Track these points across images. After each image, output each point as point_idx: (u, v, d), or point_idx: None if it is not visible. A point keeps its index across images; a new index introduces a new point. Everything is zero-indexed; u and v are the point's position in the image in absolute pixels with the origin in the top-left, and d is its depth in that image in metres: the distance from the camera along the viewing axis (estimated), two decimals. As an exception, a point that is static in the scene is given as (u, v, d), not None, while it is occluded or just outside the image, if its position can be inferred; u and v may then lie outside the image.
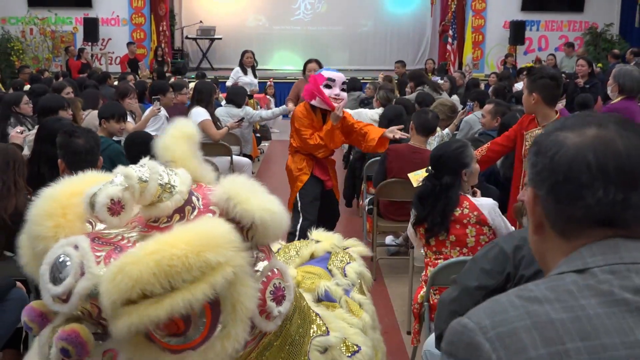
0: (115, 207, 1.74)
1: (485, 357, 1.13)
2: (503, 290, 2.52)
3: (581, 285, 1.13)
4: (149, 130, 6.88)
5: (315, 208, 5.37)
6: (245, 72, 10.97)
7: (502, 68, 14.42)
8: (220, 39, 17.36)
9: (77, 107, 6.45)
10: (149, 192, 1.75)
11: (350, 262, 2.99)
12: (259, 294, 1.89)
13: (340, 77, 5.14)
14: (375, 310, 2.96)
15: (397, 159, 5.19)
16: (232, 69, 11.41)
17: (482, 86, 10.59)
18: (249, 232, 1.81)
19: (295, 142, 5.35)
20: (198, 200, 1.89)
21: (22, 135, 5.27)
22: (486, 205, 3.63)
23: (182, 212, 1.82)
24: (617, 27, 16.15)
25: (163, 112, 7.46)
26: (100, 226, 1.83)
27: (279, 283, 1.98)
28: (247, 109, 8.18)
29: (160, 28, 16.66)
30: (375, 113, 7.17)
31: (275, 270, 1.99)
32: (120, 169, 1.79)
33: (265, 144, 11.48)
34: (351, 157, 7.60)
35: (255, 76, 11.30)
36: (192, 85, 9.05)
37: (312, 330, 2.37)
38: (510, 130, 4.63)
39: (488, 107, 6.35)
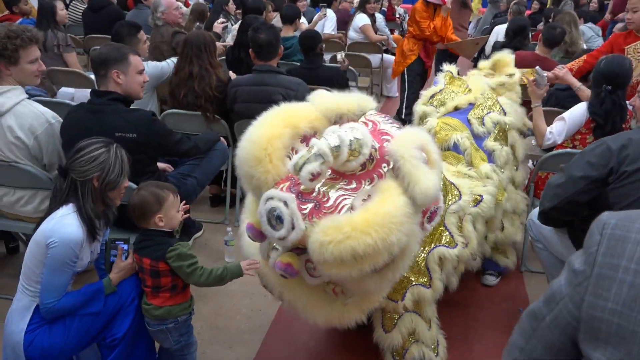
0: (315, 177, 1.74)
1: (593, 244, 1.12)
2: (605, 181, 2.35)
3: None
4: (327, 30, 6.99)
5: (418, 82, 5.82)
6: None
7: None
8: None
9: (267, 9, 6.46)
10: (341, 159, 1.76)
11: (490, 112, 2.87)
12: (419, 220, 1.94)
13: None
14: (509, 152, 2.88)
15: (521, 65, 4.77)
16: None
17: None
18: None
19: (414, 30, 5.64)
20: (375, 151, 1.85)
21: (221, 26, 5.40)
22: None
23: (364, 165, 1.83)
24: None
25: (332, 14, 7.34)
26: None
27: (434, 208, 2.01)
28: (377, 16, 7.82)
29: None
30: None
31: (438, 202, 2.03)
32: (316, 144, 1.75)
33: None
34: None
35: None
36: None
37: (448, 200, 2.44)
38: (605, 45, 4.13)
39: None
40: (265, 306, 3.03)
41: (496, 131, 2.87)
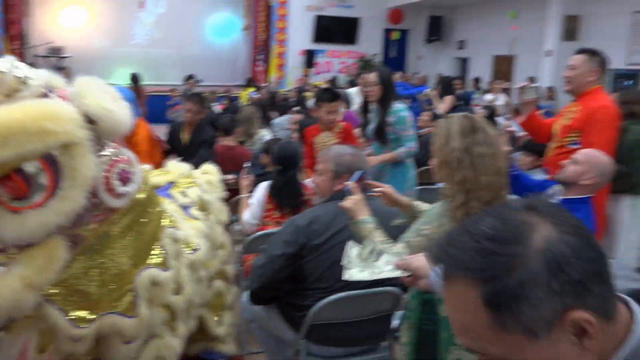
0: None
1: None
2: (301, 256, 2.58)
3: None
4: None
5: None
6: None
7: (300, 84, 14.65)
8: (70, 57, 15.77)
9: None
10: (5, 81, 1.66)
11: (192, 187, 2.89)
12: (103, 173, 1.82)
13: None
14: (212, 224, 2.87)
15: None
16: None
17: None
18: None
19: None
20: (55, 96, 1.78)
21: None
22: None
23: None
24: (380, 56, 17.11)
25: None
26: None
27: (127, 167, 1.91)
28: None
29: (13, 47, 14.97)
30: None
31: (124, 157, 1.92)
32: None
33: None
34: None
35: None
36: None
37: (164, 222, 2.26)
38: None
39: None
40: None
41: (199, 204, 2.88)
